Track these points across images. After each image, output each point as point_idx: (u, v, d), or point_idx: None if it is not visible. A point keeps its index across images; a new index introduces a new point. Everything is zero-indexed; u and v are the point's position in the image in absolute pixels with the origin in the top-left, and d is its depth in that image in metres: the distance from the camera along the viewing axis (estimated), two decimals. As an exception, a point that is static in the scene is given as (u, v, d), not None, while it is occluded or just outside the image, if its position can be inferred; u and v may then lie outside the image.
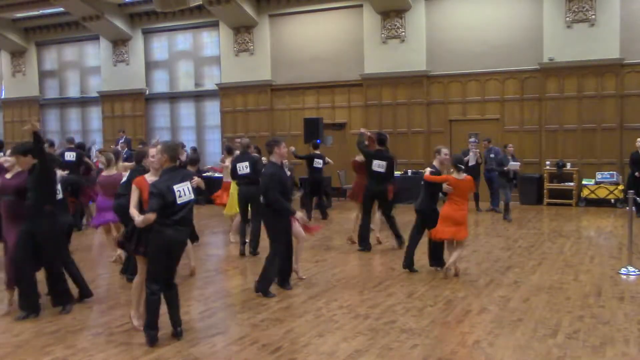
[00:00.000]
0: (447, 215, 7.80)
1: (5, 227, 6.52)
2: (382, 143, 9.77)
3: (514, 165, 13.33)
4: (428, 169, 8.08)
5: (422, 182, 8.22)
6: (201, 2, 17.46)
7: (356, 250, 9.89)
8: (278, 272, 7.29)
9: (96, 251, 10.41)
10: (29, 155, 6.19)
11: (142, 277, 5.72)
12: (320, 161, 13.07)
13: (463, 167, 7.99)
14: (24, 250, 6.22)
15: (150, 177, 5.79)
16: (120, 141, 17.20)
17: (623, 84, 14.86)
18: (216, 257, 9.70)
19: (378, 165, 9.59)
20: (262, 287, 7.12)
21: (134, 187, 5.74)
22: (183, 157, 9.57)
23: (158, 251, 5.45)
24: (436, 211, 8.07)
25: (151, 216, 5.29)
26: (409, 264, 8.27)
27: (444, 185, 7.81)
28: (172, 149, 5.63)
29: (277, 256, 7.15)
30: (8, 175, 6.53)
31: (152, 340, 5.44)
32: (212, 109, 19.86)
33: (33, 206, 6.20)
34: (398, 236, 9.90)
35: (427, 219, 8.12)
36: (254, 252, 9.31)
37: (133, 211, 5.62)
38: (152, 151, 6.02)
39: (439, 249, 8.25)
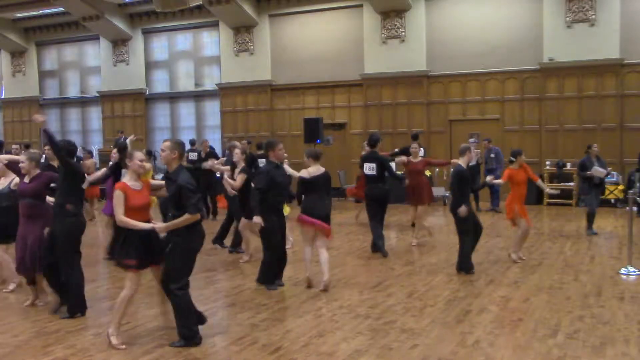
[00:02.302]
0: (511, 203, 8.79)
1: (24, 226, 6.64)
2: (373, 145, 9.75)
3: (598, 171, 11.03)
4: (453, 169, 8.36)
5: (452, 183, 8.20)
6: (201, 2, 17.47)
7: (356, 251, 9.90)
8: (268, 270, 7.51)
9: (98, 249, 10.40)
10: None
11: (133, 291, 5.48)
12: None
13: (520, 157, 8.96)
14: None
15: (130, 182, 5.49)
16: (119, 141, 17.20)
17: (623, 84, 14.87)
18: (216, 258, 9.68)
19: (369, 168, 9.57)
20: (263, 280, 7.52)
21: (119, 194, 5.37)
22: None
23: (194, 250, 5.47)
24: (470, 210, 8.25)
25: (198, 215, 5.34)
26: (466, 267, 8.12)
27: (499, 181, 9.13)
28: (183, 147, 5.65)
29: (269, 254, 7.43)
30: (26, 179, 6.68)
31: (199, 337, 5.47)
32: (212, 109, 19.88)
33: (56, 204, 6.31)
34: (375, 244, 9.65)
35: (463, 218, 8.10)
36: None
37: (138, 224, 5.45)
38: (164, 145, 5.71)
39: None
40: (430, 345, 5.37)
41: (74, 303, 6.34)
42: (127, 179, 5.52)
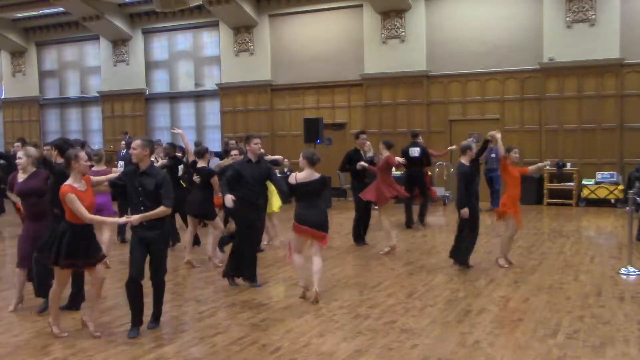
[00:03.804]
0: (507, 198, 8.42)
1: (34, 224, 6.55)
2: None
3: None
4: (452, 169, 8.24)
5: (458, 178, 8.26)
6: (201, 2, 17.47)
7: (356, 251, 9.91)
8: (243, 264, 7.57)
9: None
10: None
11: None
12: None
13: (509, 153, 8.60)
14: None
15: (75, 183, 5.53)
16: (122, 142, 17.23)
17: (623, 84, 14.86)
18: (216, 258, 9.68)
19: None
20: (225, 274, 7.67)
21: (73, 196, 5.43)
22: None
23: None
24: (475, 207, 8.26)
25: (171, 208, 5.75)
26: (462, 261, 8.37)
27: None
28: (153, 144, 5.94)
29: (240, 245, 7.49)
30: (21, 178, 6.57)
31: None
32: (212, 109, 19.88)
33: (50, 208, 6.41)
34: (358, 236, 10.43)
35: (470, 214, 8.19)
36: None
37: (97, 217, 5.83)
38: (135, 144, 5.74)
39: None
40: (430, 345, 5.37)
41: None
42: (71, 180, 5.57)
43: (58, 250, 5.52)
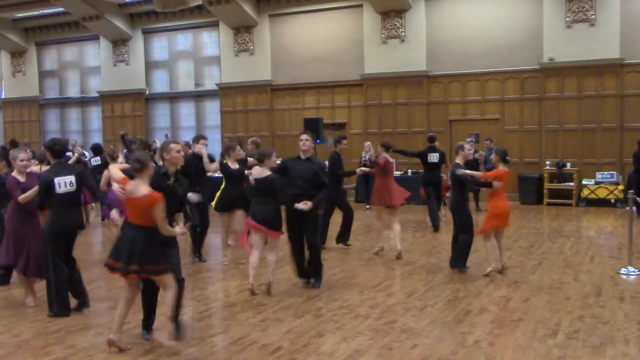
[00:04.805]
0: (495, 209, 7.87)
1: (24, 224, 6.69)
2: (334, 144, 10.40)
3: None
4: (455, 169, 8.07)
5: (453, 180, 8.16)
6: (201, 2, 17.47)
7: (356, 251, 9.91)
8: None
9: (97, 249, 10.40)
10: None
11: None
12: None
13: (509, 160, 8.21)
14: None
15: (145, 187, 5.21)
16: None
17: (623, 84, 14.87)
18: (216, 258, 9.68)
19: None
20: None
21: (162, 203, 5.10)
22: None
23: None
24: (467, 210, 8.15)
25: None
26: (460, 264, 8.21)
27: (495, 183, 7.84)
28: None
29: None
30: (22, 178, 6.75)
31: None
32: (212, 109, 19.88)
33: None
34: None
35: (461, 218, 8.13)
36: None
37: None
38: (177, 147, 5.58)
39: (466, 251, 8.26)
40: (430, 345, 5.37)
41: (51, 302, 6.31)
42: (147, 187, 5.13)
43: (142, 258, 5.09)
